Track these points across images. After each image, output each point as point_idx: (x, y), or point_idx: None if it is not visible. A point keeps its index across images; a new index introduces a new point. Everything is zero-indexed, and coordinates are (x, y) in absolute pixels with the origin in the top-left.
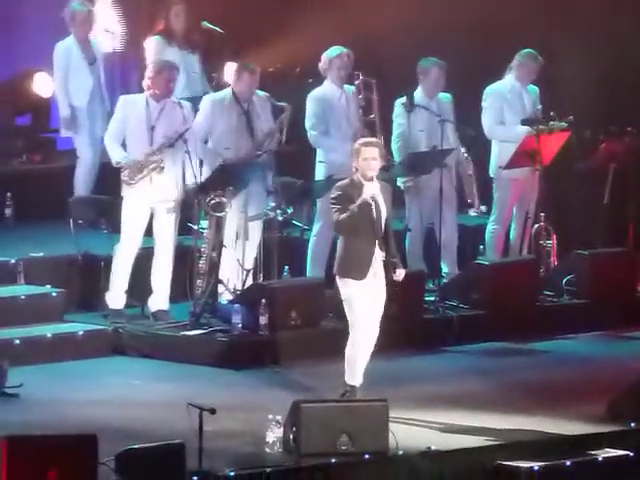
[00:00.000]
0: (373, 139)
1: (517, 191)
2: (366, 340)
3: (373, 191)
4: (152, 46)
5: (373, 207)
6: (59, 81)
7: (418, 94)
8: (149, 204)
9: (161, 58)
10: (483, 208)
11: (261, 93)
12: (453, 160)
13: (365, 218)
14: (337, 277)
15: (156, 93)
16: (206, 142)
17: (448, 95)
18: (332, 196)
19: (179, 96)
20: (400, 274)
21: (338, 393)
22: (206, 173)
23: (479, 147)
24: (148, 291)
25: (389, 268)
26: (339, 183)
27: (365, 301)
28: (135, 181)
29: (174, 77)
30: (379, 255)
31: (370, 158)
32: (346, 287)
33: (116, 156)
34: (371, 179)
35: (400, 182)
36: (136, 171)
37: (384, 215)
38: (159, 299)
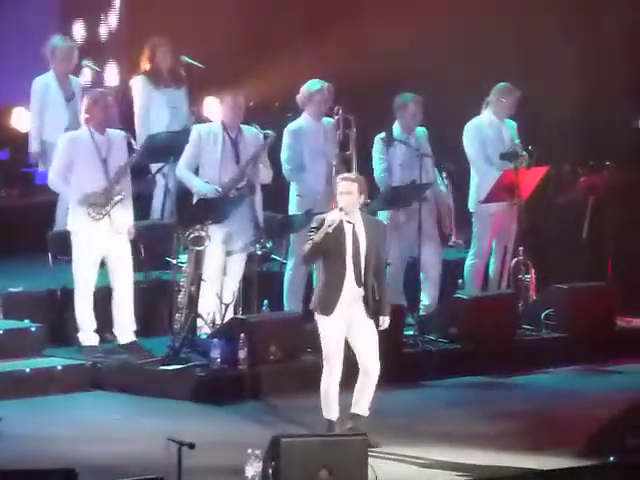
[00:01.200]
0: (352, 174)
1: (496, 225)
2: (337, 375)
3: (332, 218)
4: (139, 86)
5: (348, 240)
6: (34, 115)
7: (396, 129)
8: (100, 238)
9: (148, 97)
10: (460, 241)
11: (251, 127)
12: (432, 194)
13: (334, 250)
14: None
15: (97, 124)
16: (196, 173)
17: (423, 129)
18: (309, 228)
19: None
20: (384, 322)
21: (318, 428)
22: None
23: (458, 181)
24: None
25: (369, 306)
26: (318, 216)
27: (340, 335)
28: (102, 216)
29: (110, 103)
30: (352, 288)
31: (344, 192)
32: (319, 322)
33: (73, 195)
34: (345, 213)
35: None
36: (102, 205)
37: (363, 249)
38: (127, 331)
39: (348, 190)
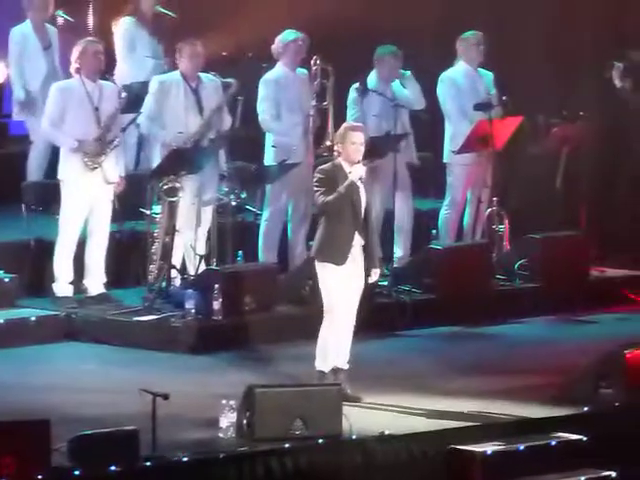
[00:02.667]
0: (358, 124)
1: (470, 176)
2: (340, 325)
3: (360, 173)
4: (122, 26)
5: (356, 192)
6: (14, 65)
7: (372, 79)
8: (91, 188)
9: (133, 39)
10: None
11: (210, 75)
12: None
13: (347, 202)
14: (315, 261)
15: (88, 71)
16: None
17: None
18: (315, 179)
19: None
20: (374, 275)
21: (293, 379)
22: (157, 155)
23: (433, 131)
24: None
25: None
26: (322, 167)
27: (342, 286)
28: (99, 164)
29: (99, 50)
30: (359, 241)
31: (358, 143)
32: (324, 271)
33: (67, 142)
34: (357, 163)
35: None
36: (97, 154)
37: (364, 202)
38: (98, 282)
39: (362, 141)
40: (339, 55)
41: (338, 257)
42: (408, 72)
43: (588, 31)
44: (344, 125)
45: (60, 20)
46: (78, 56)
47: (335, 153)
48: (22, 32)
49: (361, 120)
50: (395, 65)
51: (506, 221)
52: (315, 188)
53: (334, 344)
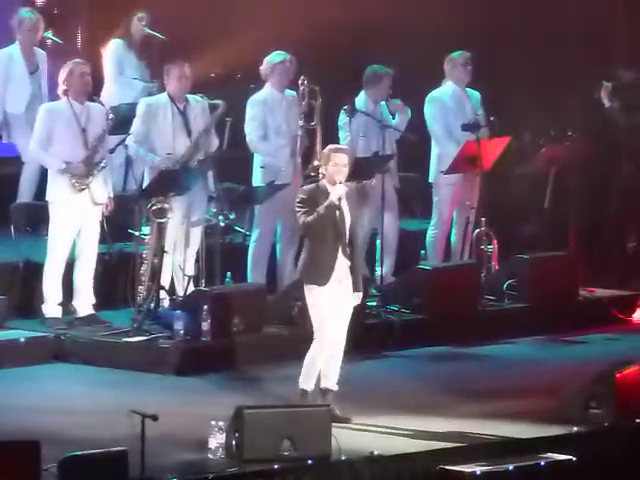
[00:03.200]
0: (343, 146)
1: (456, 196)
2: (330, 346)
3: (339, 193)
4: (111, 48)
5: (337, 212)
6: None
7: (362, 99)
8: (79, 210)
9: (121, 62)
10: None
11: (197, 97)
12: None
13: (329, 223)
14: (303, 284)
15: (76, 93)
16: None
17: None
18: (297, 199)
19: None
20: (357, 298)
21: (282, 399)
22: (146, 177)
23: (419, 152)
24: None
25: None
26: (304, 187)
27: (330, 308)
28: (86, 186)
29: (86, 71)
30: (344, 262)
31: (340, 164)
32: (310, 293)
33: (55, 164)
34: (339, 184)
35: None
36: (84, 175)
37: (348, 221)
38: (86, 303)
39: (344, 163)
40: (327, 76)
41: (321, 278)
42: (398, 100)
43: (576, 50)
44: (328, 147)
45: (49, 42)
46: (65, 77)
47: (320, 175)
48: (8, 54)
49: (351, 141)
50: (385, 84)
51: (494, 241)
52: (297, 208)
53: (322, 364)
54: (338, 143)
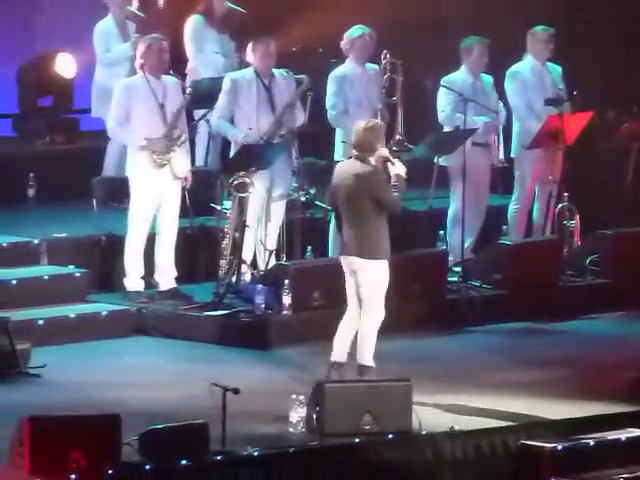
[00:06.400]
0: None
1: (537, 171)
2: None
3: (404, 168)
4: (191, 25)
5: None
6: (102, 61)
7: (461, 74)
8: (159, 185)
9: (202, 37)
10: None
11: (283, 72)
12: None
13: None
14: (367, 259)
15: (152, 68)
16: (231, 121)
17: (489, 77)
18: (385, 179)
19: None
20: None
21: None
22: (232, 152)
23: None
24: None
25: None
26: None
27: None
28: (167, 161)
29: (164, 47)
30: None
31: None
32: (381, 267)
33: (135, 140)
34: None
35: (442, 161)
36: (166, 150)
37: None
38: (168, 277)
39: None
40: (411, 50)
41: (389, 252)
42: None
43: None
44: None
45: (131, 16)
46: (143, 52)
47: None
48: (107, 27)
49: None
50: (482, 54)
51: (577, 217)
52: (393, 188)
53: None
54: (420, 118)
